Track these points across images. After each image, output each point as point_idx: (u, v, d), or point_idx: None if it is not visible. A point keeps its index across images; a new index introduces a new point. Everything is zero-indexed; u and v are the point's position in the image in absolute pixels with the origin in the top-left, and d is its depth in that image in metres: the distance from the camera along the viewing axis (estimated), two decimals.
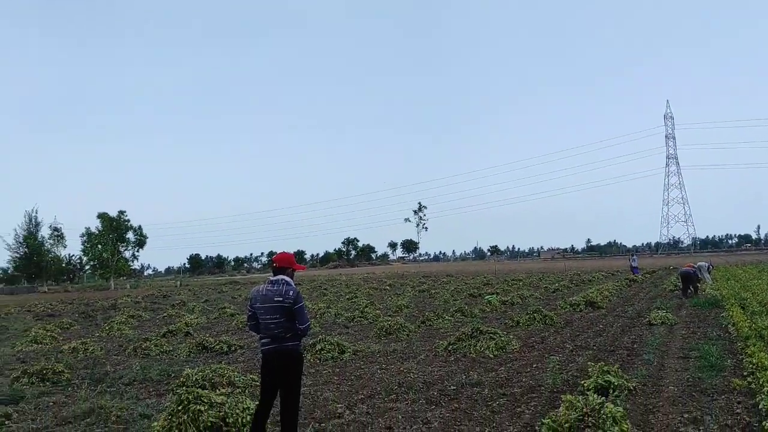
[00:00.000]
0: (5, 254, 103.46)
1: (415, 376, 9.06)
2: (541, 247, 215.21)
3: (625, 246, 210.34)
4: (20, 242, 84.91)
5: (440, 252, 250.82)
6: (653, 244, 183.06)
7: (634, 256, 41.42)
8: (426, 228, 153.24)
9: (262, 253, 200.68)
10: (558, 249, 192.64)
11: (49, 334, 16.79)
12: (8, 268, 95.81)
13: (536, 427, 5.89)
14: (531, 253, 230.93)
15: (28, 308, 33.02)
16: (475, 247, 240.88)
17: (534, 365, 9.51)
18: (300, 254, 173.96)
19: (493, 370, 9.30)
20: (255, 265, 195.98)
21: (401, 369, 9.71)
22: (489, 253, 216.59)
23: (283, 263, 5.56)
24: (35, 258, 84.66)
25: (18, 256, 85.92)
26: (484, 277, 43.15)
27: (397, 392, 7.96)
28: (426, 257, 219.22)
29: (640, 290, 25.39)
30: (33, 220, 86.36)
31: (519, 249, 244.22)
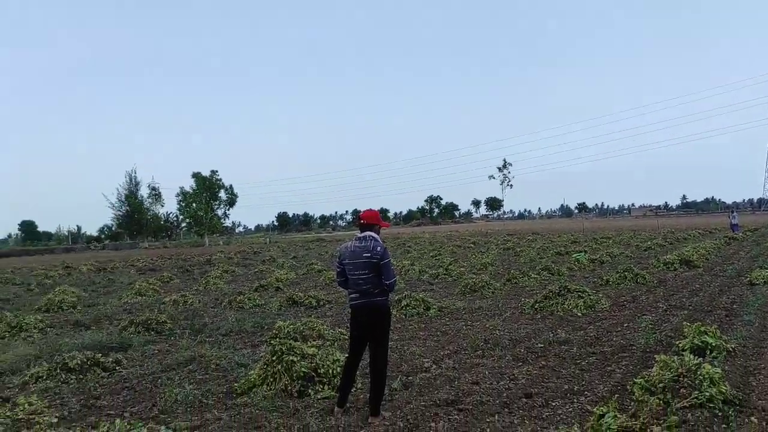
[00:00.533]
0: (109, 213, 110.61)
1: (501, 333, 9.04)
2: (632, 204, 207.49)
3: (724, 202, 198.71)
4: (122, 201, 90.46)
5: (525, 210, 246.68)
6: (755, 201, 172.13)
7: (734, 213, 39.14)
8: (511, 185, 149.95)
9: (346, 212, 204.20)
10: (650, 206, 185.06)
11: (151, 287, 17.88)
12: (112, 225, 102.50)
13: (628, 387, 5.77)
14: (621, 211, 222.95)
15: (132, 263, 35.23)
16: (562, 205, 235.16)
17: (625, 325, 9.26)
18: (383, 212, 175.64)
19: (582, 328, 9.14)
20: (340, 223, 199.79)
21: (486, 326, 9.72)
22: (577, 211, 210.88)
23: (369, 220, 5.63)
24: (136, 216, 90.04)
25: (120, 214, 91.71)
26: (572, 235, 42.09)
27: (483, 348, 7.98)
28: (510, 215, 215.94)
29: (740, 249, 24.05)
30: (133, 180, 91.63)
31: (608, 206, 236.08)
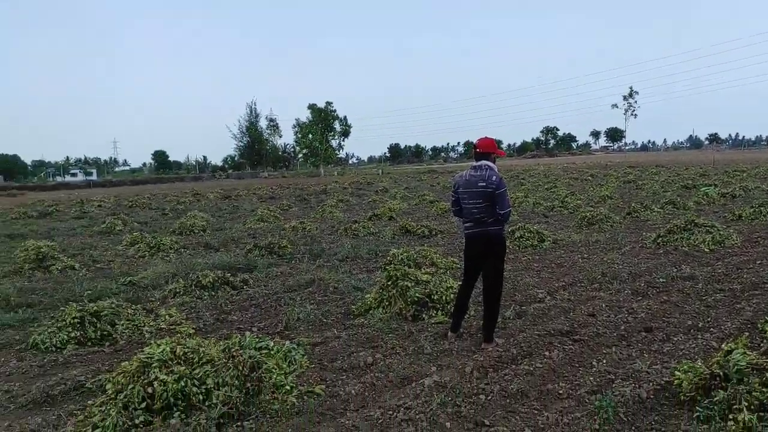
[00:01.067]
0: (232, 143, 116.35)
1: (620, 266, 8.76)
2: None
3: None
4: (243, 132, 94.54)
5: (649, 141, 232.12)
6: None
7: None
8: (635, 115, 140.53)
9: (458, 143, 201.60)
10: None
11: (272, 214, 18.78)
12: (235, 155, 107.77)
13: (758, 325, 5.46)
14: (758, 142, 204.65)
15: (253, 191, 37.04)
16: (690, 136, 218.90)
17: (758, 262, 8.66)
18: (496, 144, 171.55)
19: (709, 264, 8.66)
20: (452, 154, 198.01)
21: (604, 259, 9.44)
22: (707, 142, 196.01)
23: (486, 148, 5.52)
24: (256, 146, 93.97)
25: (242, 145, 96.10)
26: (700, 168, 39.38)
27: (600, 281, 7.79)
28: (633, 147, 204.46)
29: None
30: (253, 112, 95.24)
31: (743, 137, 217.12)
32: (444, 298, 6.53)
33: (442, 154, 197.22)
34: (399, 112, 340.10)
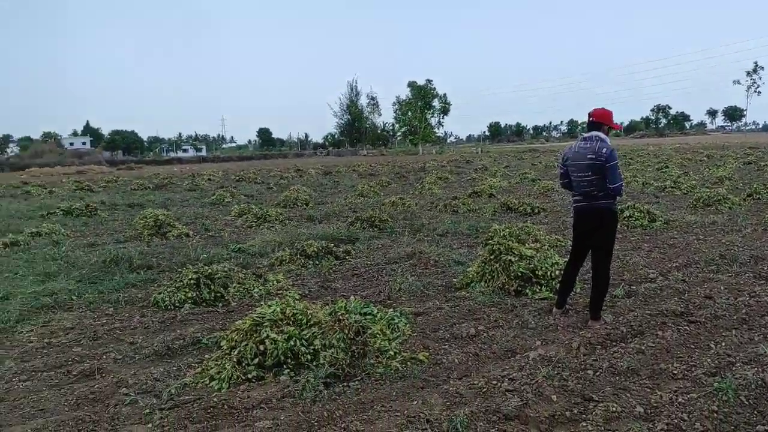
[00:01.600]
0: (333, 121, 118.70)
1: (740, 249, 8.19)
2: None
3: None
4: (344, 110, 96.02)
5: None
6: None
7: None
8: (759, 92, 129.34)
9: (561, 122, 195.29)
10: None
11: (371, 189, 19.03)
12: (335, 133, 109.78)
13: None
14: None
15: (353, 168, 37.64)
16: None
17: None
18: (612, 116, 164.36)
19: None
20: (554, 134, 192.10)
21: (722, 241, 8.87)
22: None
23: (600, 119, 5.26)
24: (356, 124, 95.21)
25: (342, 122, 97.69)
26: None
27: (718, 264, 7.33)
28: (754, 127, 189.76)
29: None
30: (354, 90, 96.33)
31: None
32: (549, 273, 6.37)
33: (544, 133, 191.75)
34: (500, 90, 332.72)
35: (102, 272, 8.01)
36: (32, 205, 18.67)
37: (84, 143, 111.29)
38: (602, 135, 5.20)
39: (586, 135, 5.29)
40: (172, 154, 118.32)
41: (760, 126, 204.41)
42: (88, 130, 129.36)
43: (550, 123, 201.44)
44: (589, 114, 5.35)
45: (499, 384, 3.93)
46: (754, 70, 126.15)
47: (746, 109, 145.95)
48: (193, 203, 18.25)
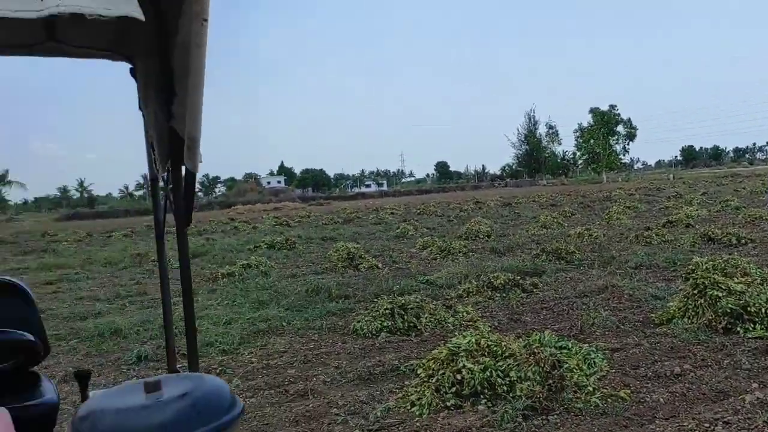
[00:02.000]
0: (510, 152, 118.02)
1: None
2: None
3: None
4: (522, 140, 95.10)
5: None
6: None
7: None
8: None
9: (766, 143, 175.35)
10: None
11: (554, 220, 18.61)
12: (513, 164, 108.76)
13: None
14: None
15: (533, 199, 36.99)
16: None
17: None
18: None
19: None
20: (759, 155, 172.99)
21: None
22: None
23: None
24: (535, 154, 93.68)
25: (520, 153, 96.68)
26: None
27: None
28: None
29: None
30: (531, 119, 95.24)
31: None
32: (764, 310, 5.82)
33: (747, 155, 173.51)
34: (694, 110, 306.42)
35: (305, 301, 8.75)
36: (240, 239, 20.81)
37: (279, 182, 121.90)
38: None
39: None
40: (356, 190, 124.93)
41: None
42: (283, 170, 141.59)
43: (754, 144, 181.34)
44: None
45: (712, 427, 3.69)
46: None
47: None
48: (380, 236, 19.14)
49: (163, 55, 2.06)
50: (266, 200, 63.51)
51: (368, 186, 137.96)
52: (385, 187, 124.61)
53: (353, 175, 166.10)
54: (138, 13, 1.43)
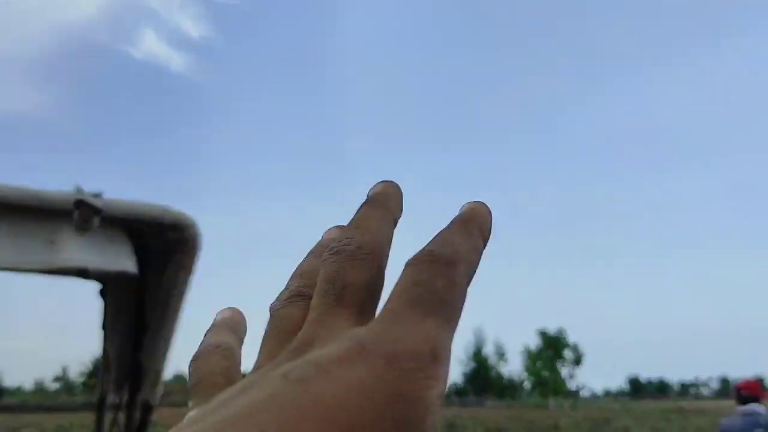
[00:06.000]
0: (456, 369, 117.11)
1: None
2: None
3: None
4: (469, 358, 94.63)
5: None
6: None
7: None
8: None
9: (710, 377, 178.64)
10: None
11: None
12: (458, 383, 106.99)
13: None
14: None
15: (480, 422, 35.59)
16: None
17: None
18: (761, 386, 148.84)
19: None
20: (703, 390, 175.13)
21: None
22: None
23: (754, 392, 4.78)
24: (482, 373, 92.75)
25: (467, 371, 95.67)
26: None
27: None
28: None
29: None
30: (479, 337, 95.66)
31: None
32: None
33: (691, 390, 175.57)
34: (640, 339, 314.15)
35: None
36: None
37: None
38: (760, 408, 4.69)
39: (744, 409, 4.71)
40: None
41: None
42: None
43: (697, 378, 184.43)
44: (737, 387, 4.90)
45: None
46: None
47: None
48: None
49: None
50: None
51: None
52: None
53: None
54: (133, 269, 1.65)
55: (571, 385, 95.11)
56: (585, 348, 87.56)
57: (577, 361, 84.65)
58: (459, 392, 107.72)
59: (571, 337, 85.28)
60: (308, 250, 0.34)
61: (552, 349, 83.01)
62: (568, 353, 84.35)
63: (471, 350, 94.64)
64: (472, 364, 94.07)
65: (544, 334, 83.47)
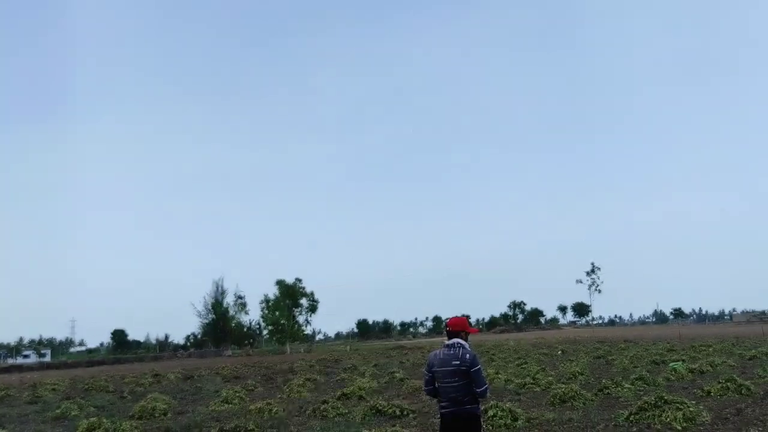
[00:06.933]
0: (196, 321, 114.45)
1: None
2: (734, 310, 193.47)
3: None
4: (208, 309, 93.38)
5: (616, 316, 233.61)
6: None
7: None
8: (599, 290, 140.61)
9: (426, 318, 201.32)
10: (754, 311, 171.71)
11: (237, 395, 18.12)
12: (198, 333, 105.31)
13: None
14: (721, 317, 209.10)
15: (217, 371, 35.89)
16: (656, 310, 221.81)
17: None
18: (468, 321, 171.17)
19: None
20: (420, 329, 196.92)
21: None
22: (672, 317, 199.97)
23: (456, 327, 5.69)
24: (221, 324, 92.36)
25: (206, 322, 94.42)
26: (668, 343, 39.91)
27: None
28: (600, 321, 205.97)
29: None
30: (219, 288, 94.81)
31: (707, 312, 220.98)
32: None
33: (411, 329, 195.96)
34: (367, 287, 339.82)
35: None
36: None
37: None
38: (462, 341, 5.57)
39: (448, 342, 5.64)
40: (11, 361, 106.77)
41: (606, 320, 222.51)
42: None
43: (416, 319, 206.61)
44: (446, 324, 5.75)
45: None
46: (592, 270, 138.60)
47: (591, 305, 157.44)
48: (34, 419, 16.32)
49: None
50: None
51: (26, 356, 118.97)
52: (47, 358, 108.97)
53: (8, 344, 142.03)
54: None
55: (308, 331, 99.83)
56: (320, 295, 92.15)
57: (313, 308, 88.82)
58: (198, 344, 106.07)
59: (307, 287, 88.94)
60: None
61: (289, 297, 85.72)
62: (304, 302, 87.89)
63: (210, 301, 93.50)
64: (212, 315, 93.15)
65: (281, 284, 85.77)
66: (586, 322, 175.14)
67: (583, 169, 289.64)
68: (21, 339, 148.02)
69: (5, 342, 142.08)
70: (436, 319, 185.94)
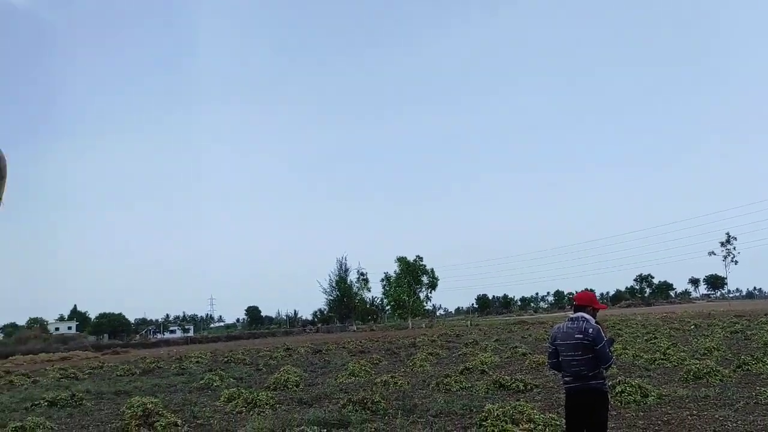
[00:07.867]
0: (322, 297, 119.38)
1: (734, 424, 8.20)
2: None
3: None
4: (333, 286, 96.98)
5: (755, 288, 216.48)
6: None
7: None
8: (736, 261, 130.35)
9: (548, 293, 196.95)
10: None
11: (363, 368, 18.84)
12: (324, 309, 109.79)
13: None
14: None
15: (343, 345, 37.30)
16: None
17: None
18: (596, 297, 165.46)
19: None
20: (542, 304, 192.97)
21: (716, 417, 8.86)
22: None
23: (583, 302, 5.65)
24: (345, 300, 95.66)
25: (332, 299, 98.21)
26: None
27: None
28: (737, 294, 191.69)
29: None
30: (343, 266, 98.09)
31: None
32: None
33: (532, 304, 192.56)
34: (486, 262, 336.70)
35: None
36: (15, 396, 18.20)
37: (70, 327, 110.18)
38: (587, 315, 5.53)
39: (573, 316, 5.62)
40: (160, 336, 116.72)
41: (744, 293, 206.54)
42: (75, 314, 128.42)
43: (537, 294, 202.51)
44: (573, 298, 5.72)
45: None
46: (728, 241, 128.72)
47: (726, 278, 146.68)
48: (182, 388, 17.89)
49: None
50: (52, 349, 56.63)
51: (173, 332, 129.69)
52: (191, 333, 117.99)
53: (156, 320, 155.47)
54: None
55: (428, 306, 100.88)
56: (440, 272, 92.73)
57: (433, 284, 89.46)
58: (325, 319, 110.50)
59: (427, 264, 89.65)
60: None
61: (410, 274, 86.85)
62: (425, 279, 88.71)
63: (335, 279, 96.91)
64: (336, 293, 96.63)
65: (402, 261, 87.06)
66: (722, 294, 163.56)
67: (715, 137, 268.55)
68: (167, 316, 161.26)
69: (154, 319, 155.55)
70: (558, 294, 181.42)
